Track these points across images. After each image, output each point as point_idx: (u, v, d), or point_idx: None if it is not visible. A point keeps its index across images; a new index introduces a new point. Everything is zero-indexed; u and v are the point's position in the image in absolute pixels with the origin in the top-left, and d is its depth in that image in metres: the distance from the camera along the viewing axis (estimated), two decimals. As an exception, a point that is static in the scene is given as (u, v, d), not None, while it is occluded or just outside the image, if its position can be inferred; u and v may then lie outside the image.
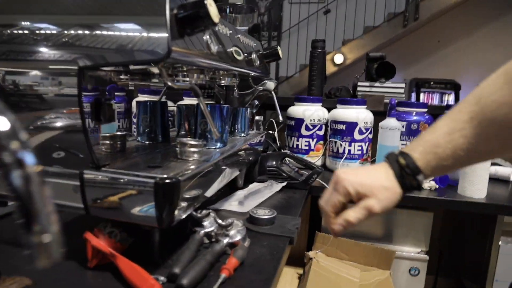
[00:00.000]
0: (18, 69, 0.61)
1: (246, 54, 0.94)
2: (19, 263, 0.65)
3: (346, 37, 5.13)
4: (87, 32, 0.56)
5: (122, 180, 0.59)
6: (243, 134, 1.15)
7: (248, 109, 1.18)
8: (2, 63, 0.60)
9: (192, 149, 0.75)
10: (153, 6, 0.54)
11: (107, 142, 0.78)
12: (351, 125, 1.41)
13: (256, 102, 1.46)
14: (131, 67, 0.65)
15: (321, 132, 1.52)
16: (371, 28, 4.77)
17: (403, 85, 1.70)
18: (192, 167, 0.69)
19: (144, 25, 0.55)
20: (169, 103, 1.15)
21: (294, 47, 5.55)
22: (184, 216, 0.65)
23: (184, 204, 0.64)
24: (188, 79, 0.72)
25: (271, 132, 1.70)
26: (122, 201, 0.60)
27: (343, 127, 1.42)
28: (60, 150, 0.62)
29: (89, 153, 0.61)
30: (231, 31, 0.84)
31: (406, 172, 0.54)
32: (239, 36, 0.91)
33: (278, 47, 1.14)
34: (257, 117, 1.53)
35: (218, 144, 0.91)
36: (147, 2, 0.55)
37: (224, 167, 0.87)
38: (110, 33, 0.55)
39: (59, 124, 0.61)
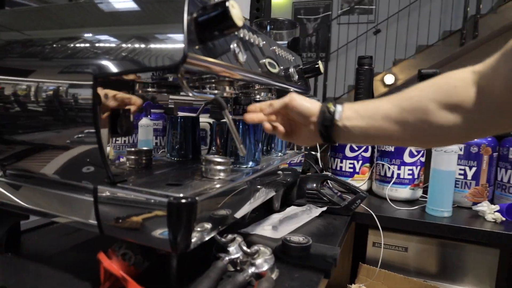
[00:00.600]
0: (32, 79, 0.59)
1: (282, 67, 0.88)
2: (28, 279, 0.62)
3: (397, 57, 4.95)
4: (101, 40, 0.53)
5: (135, 198, 0.54)
6: (280, 154, 1.08)
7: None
8: (14, 74, 0.59)
9: (218, 167, 0.69)
10: (171, 10, 0.50)
11: (132, 157, 0.75)
12: (400, 148, 1.28)
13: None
14: (152, 77, 0.61)
15: (367, 154, 1.41)
16: (424, 47, 4.56)
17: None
18: (215, 186, 0.63)
19: (161, 31, 0.50)
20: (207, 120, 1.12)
21: (343, 68, 5.44)
22: (204, 240, 0.59)
23: (203, 226, 0.57)
24: (215, 91, 0.67)
25: (313, 153, 1.61)
26: (134, 220, 0.55)
27: (392, 148, 1.30)
28: (77, 164, 0.59)
29: (104, 168, 0.57)
30: (264, 42, 0.78)
31: (328, 106, 0.63)
32: (274, 48, 0.85)
33: (319, 61, 1.07)
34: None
35: (250, 163, 0.84)
36: (165, 5, 0.51)
37: (255, 187, 0.80)
38: (126, 40, 0.51)
39: (75, 137, 0.58)
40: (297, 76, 1.00)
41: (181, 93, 0.80)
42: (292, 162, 1.14)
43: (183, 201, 0.51)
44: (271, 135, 1.07)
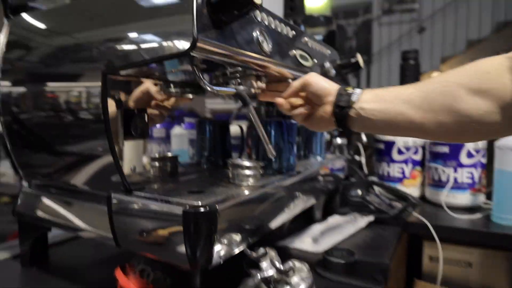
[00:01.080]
0: (39, 83, 0.55)
1: (316, 61, 0.79)
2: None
3: (445, 54, 4.65)
4: (106, 33, 0.48)
5: (148, 206, 0.48)
6: (318, 158, 0.99)
7: (325, 129, 1.02)
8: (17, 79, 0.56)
9: (247, 172, 0.62)
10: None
11: (156, 164, 0.69)
12: (457, 147, 1.14)
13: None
14: (167, 70, 0.55)
15: (418, 157, 1.27)
16: (475, 42, 4.24)
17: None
18: (242, 192, 0.55)
19: (170, 17, 0.44)
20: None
21: (386, 71, 5.22)
22: (232, 254, 0.52)
23: (229, 238, 0.50)
24: (240, 87, 0.60)
25: (357, 157, 1.50)
26: (149, 232, 0.48)
27: (446, 149, 1.16)
28: (93, 170, 0.54)
29: (118, 174, 0.51)
30: (294, 32, 0.70)
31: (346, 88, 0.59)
32: (307, 40, 0.77)
33: (358, 54, 0.97)
34: (339, 140, 1.35)
35: (284, 168, 0.76)
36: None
37: (290, 194, 0.71)
38: (132, 30, 0.46)
39: (88, 142, 0.53)
40: (334, 72, 0.91)
41: (216, 98, 0.74)
42: (333, 168, 1.05)
43: (201, 210, 0.44)
44: (308, 138, 0.98)
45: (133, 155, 0.61)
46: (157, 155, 0.69)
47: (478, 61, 0.50)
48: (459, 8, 4.79)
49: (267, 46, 0.57)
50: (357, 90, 0.58)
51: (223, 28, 0.46)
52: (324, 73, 0.87)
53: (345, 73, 1.01)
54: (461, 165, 1.14)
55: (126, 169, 0.54)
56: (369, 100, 0.56)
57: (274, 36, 0.61)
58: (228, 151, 0.86)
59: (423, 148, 1.28)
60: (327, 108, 0.59)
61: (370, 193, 1.05)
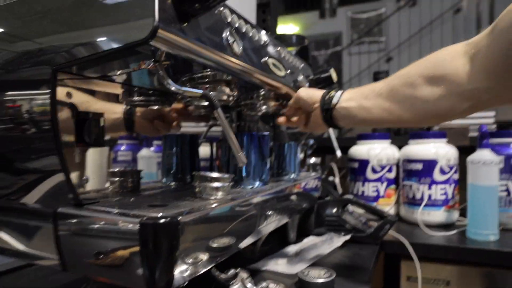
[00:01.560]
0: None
1: (289, 71, 0.77)
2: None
3: (411, 82, 4.84)
4: (57, 25, 0.43)
5: (103, 221, 0.42)
6: (292, 175, 0.95)
7: (298, 145, 0.99)
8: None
9: (215, 184, 0.56)
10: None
11: (115, 179, 0.63)
12: (430, 164, 1.14)
13: (312, 141, 1.27)
14: (128, 70, 0.50)
15: (392, 175, 1.26)
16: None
17: (493, 113, 1.40)
18: (209, 206, 0.50)
19: (128, 5, 0.40)
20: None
21: (356, 97, 5.35)
22: (196, 275, 0.46)
23: (193, 257, 0.44)
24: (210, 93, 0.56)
25: (331, 178, 1.47)
26: (103, 251, 0.42)
27: (420, 166, 1.15)
28: (38, 182, 0.48)
29: (67, 185, 0.45)
30: (267, 40, 0.68)
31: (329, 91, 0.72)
32: (279, 49, 0.75)
33: (332, 69, 0.96)
34: (313, 159, 1.33)
35: (256, 183, 0.72)
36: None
37: (262, 211, 0.66)
38: (86, 21, 0.41)
39: (34, 148, 0.47)
40: (307, 85, 0.89)
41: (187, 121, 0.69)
42: (307, 187, 1.01)
43: (161, 221, 0.39)
44: (281, 155, 0.94)
45: (89, 166, 0.55)
46: (116, 169, 0.63)
47: (438, 51, 0.56)
48: (423, 40, 5.05)
49: (237, 48, 0.53)
50: (338, 92, 0.69)
51: (189, 22, 0.42)
52: (297, 87, 0.84)
53: (319, 88, 1.00)
54: (434, 182, 1.13)
55: (78, 180, 0.48)
56: (348, 99, 0.67)
57: (245, 40, 0.58)
58: (197, 168, 0.81)
59: (397, 166, 1.27)
60: (317, 112, 0.72)
61: (345, 212, 1.02)
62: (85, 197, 0.51)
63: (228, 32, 0.52)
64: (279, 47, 0.75)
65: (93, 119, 0.47)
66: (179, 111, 0.82)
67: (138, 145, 1.06)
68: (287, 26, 5.72)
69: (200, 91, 0.48)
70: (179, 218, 0.40)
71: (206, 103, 0.57)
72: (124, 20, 0.38)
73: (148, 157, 1.08)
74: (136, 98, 0.62)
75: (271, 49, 0.71)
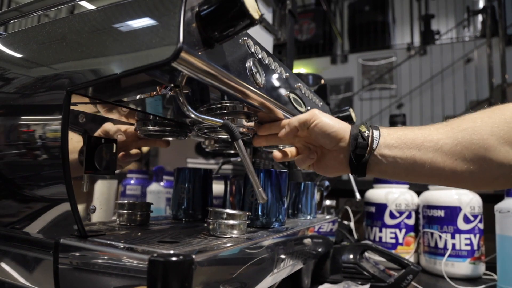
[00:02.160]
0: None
1: (309, 108, 0.75)
2: None
3: (424, 129, 4.81)
4: (74, 48, 0.42)
5: (108, 256, 0.38)
6: (308, 217, 0.90)
7: (316, 185, 0.94)
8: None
9: (230, 222, 0.52)
10: (166, 3, 0.39)
11: (123, 211, 0.59)
12: (453, 211, 1.08)
13: (327, 183, 1.22)
14: (146, 95, 0.48)
15: (411, 221, 1.20)
16: (451, 118, 4.43)
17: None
18: (225, 245, 0.46)
19: (151, 27, 0.39)
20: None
21: (367, 142, 5.31)
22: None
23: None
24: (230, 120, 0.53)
25: (346, 222, 1.41)
26: (105, 291, 0.38)
27: (441, 213, 1.09)
28: (42, 212, 0.44)
29: (72, 215, 0.41)
30: (288, 74, 0.66)
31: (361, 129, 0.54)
32: (300, 85, 0.73)
33: (350, 109, 0.93)
34: (328, 202, 1.27)
35: (273, 223, 0.67)
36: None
37: (279, 253, 0.61)
38: (105, 41, 0.40)
39: (40, 174, 0.44)
40: (326, 124, 0.87)
41: (198, 158, 0.67)
42: (321, 230, 0.95)
43: (173, 259, 0.35)
44: (296, 193, 0.90)
45: (96, 197, 0.51)
46: (125, 201, 0.60)
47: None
48: (435, 87, 5.08)
49: (260, 79, 0.51)
50: (375, 133, 0.52)
51: (213, 48, 0.40)
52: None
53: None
54: (459, 231, 1.06)
55: (84, 210, 0.45)
56: (391, 146, 0.51)
57: (267, 72, 0.56)
58: (209, 204, 0.77)
59: (416, 212, 1.21)
60: (340, 155, 0.54)
61: (363, 259, 0.95)
62: (91, 229, 0.47)
63: (251, 62, 0.50)
64: (300, 83, 0.74)
65: (105, 145, 0.44)
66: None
67: (147, 180, 1.03)
68: (299, 70, 5.83)
69: (220, 121, 0.45)
70: (193, 257, 0.36)
71: (223, 136, 0.54)
72: (147, 42, 0.37)
73: (157, 192, 1.05)
74: (151, 128, 0.59)
75: (291, 84, 0.69)
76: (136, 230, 0.53)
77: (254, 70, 0.50)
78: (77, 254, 0.39)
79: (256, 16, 0.38)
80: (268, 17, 1.33)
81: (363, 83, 5.95)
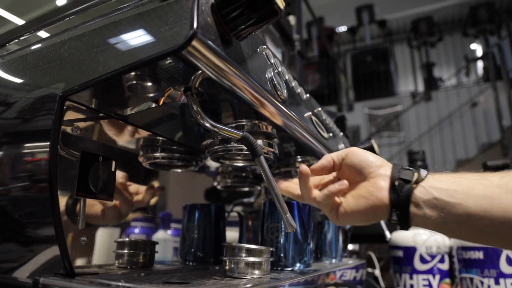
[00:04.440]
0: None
1: (331, 135, 0.68)
2: None
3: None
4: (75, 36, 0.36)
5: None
6: (333, 260, 0.80)
7: (340, 227, 0.85)
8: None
9: (251, 260, 0.43)
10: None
11: (123, 251, 0.50)
12: (494, 252, 0.96)
13: (348, 225, 1.12)
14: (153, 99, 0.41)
15: (445, 266, 1.07)
16: (464, 161, 4.33)
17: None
18: (246, 285, 0.37)
19: (161, 15, 0.33)
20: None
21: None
22: None
23: None
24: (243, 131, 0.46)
25: (370, 270, 1.28)
26: None
27: (480, 255, 0.97)
28: (21, 245, 0.36)
29: (59, 249, 0.33)
30: (308, 96, 0.60)
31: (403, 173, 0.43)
32: (320, 110, 0.67)
33: (372, 140, 0.87)
34: (351, 246, 1.16)
35: (297, 265, 0.57)
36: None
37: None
38: (108, 34, 0.34)
39: (23, 196, 0.36)
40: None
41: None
42: (344, 276, 0.85)
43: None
44: (320, 234, 0.80)
45: (97, 246, 0.43)
46: (125, 239, 0.51)
47: None
48: (444, 132, 5.04)
49: (281, 92, 0.45)
50: (423, 172, 0.43)
51: (231, 44, 0.35)
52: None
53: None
54: (502, 275, 0.94)
55: (73, 243, 0.36)
56: (450, 183, 0.41)
57: (287, 86, 0.50)
58: (222, 243, 0.68)
59: (450, 255, 1.09)
60: (379, 183, 0.43)
61: (399, 310, 0.83)
62: (82, 271, 0.38)
63: (272, 73, 0.44)
64: (320, 108, 0.67)
65: (102, 163, 0.37)
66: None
67: (153, 228, 0.94)
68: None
69: (239, 133, 0.38)
70: (209, 297, 0.27)
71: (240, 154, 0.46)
72: (155, 31, 0.31)
73: (164, 241, 0.95)
74: (157, 154, 0.52)
75: (312, 107, 0.63)
76: (137, 271, 0.44)
77: (276, 81, 0.44)
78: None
79: (280, 5, 0.33)
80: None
81: (371, 130, 5.94)
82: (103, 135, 0.41)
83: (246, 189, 0.83)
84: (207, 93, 0.38)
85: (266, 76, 0.43)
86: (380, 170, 0.45)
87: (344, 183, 0.46)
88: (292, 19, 1.59)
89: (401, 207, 0.42)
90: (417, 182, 0.42)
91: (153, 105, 0.38)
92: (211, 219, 0.66)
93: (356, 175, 0.46)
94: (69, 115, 0.35)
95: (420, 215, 0.41)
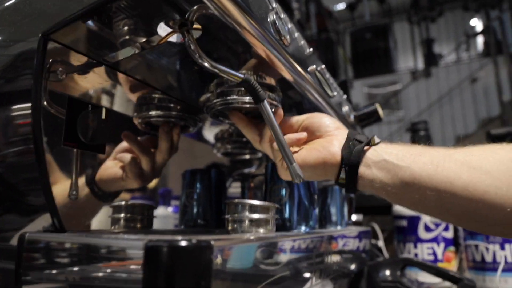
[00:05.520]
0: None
1: (335, 93, 0.64)
2: None
3: (436, 150, 4.69)
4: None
5: (90, 245, 0.27)
6: (339, 227, 0.78)
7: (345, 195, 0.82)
8: None
9: (255, 216, 0.41)
10: None
11: (119, 216, 0.48)
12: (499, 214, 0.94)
13: (353, 194, 1.10)
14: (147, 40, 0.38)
15: (449, 234, 1.06)
16: (463, 137, 4.32)
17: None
18: (247, 237, 0.34)
19: None
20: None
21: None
22: None
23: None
24: (245, 97, 0.43)
25: (373, 241, 1.26)
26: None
27: (486, 222, 0.96)
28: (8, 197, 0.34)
29: (46, 203, 0.30)
30: (311, 51, 0.57)
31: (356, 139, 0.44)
32: (324, 68, 0.63)
33: (377, 104, 0.83)
34: (355, 216, 1.14)
35: (302, 228, 0.55)
36: None
37: (310, 261, 0.49)
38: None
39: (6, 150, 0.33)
40: (352, 119, 0.77)
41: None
42: (347, 245, 0.83)
43: (183, 243, 0.23)
44: (324, 200, 0.78)
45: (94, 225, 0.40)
46: (121, 202, 0.48)
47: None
48: (444, 108, 5.01)
49: (285, 34, 0.41)
50: (376, 137, 0.44)
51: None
52: (343, 118, 0.72)
53: (363, 125, 0.87)
54: (508, 240, 0.92)
55: (62, 195, 0.34)
56: (400, 149, 0.42)
57: (289, 31, 0.47)
58: (223, 209, 0.65)
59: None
60: (333, 140, 0.44)
61: (404, 275, 0.81)
62: (75, 229, 0.36)
63: (275, 16, 0.41)
64: (323, 66, 0.64)
65: (92, 110, 0.34)
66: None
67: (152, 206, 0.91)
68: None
69: (240, 75, 0.35)
70: (212, 242, 0.24)
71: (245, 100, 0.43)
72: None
73: (164, 217, 0.93)
74: (153, 113, 0.49)
75: (316, 63, 0.59)
76: (135, 231, 0.41)
77: (278, 24, 0.41)
78: (44, 246, 0.28)
79: None
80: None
81: (369, 108, 5.88)
82: (92, 84, 0.38)
83: (247, 156, 0.80)
84: (203, 36, 0.34)
85: (268, 19, 0.40)
86: (336, 131, 0.46)
87: (304, 134, 0.46)
88: (291, -13, 1.53)
89: (351, 164, 0.42)
90: (370, 145, 0.43)
91: (145, 48, 0.34)
92: (211, 184, 0.64)
93: (312, 133, 0.46)
94: (53, 57, 0.31)
95: (368, 176, 0.42)
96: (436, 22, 5.71)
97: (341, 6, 6.09)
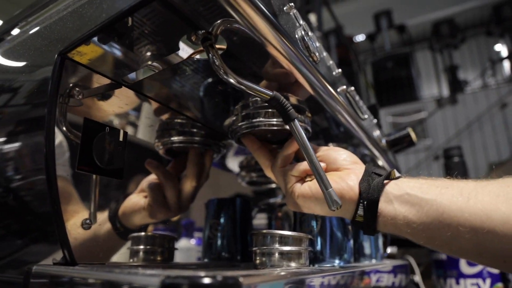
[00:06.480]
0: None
1: (366, 116, 0.61)
2: None
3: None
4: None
5: (97, 282, 0.23)
6: (373, 261, 0.71)
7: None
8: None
9: (286, 249, 0.37)
10: None
11: (139, 247, 0.44)
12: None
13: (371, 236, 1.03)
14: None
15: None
16: (497, 165, 4.13)
17: None
18: (277, 273, 0.30)
19: None
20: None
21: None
22: None
23: None
24: (272, 120, 0.40)
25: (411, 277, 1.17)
26: None
27: (537, 255, 0.87)
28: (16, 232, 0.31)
29: (58, 235, 0.28)
30: (340, 71, 0.54)
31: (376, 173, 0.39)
32: (353, 89, 0.60)
33: (409, 128, 0.79)
34: (389, 249, 1.07)
35: (336, 261, 0.50)
36: None
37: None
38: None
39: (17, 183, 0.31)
40: (383, 143, 0.72)
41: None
42: (380, 280, 0.76)
43: (206, 281, 0.20)
44: (358, 235, 0.72)
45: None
46: (141, 233, 0.45)
47: None
48: (474, 135, 4.84)
49: (316, 52, 0.39)
50: (396, 171, 0.40)
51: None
52: (375, 142, 0.67)
53: (395, 150, 0.82)
54: None
55: (75, 225, 0.31)
56: (424, 182, 0.38)
57: (318, 51, 0.44)
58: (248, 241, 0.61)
59: (501, 257, 0.98)
60: (351, 173, 0.40)
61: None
62: (87, 262, 0.33)
63: (303, 33, 0.38)
64: (353, 88, 0.61)
65: (110, 133, 0.31)
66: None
67: (174, 237, 0.88)
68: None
69: (269, 92, 0.32)
70: (240, 280, 0.21)
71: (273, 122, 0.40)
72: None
73: (187, 250, 0.89)
74: (175, 138, 0.47)
75: (345, 85, 0.56)
76: (155, 264, 0.38)
77: (307, 40, 0.38)
78: (56, 284, 0.24)
79: None
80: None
81: (395, 136, 5.76)
82: (112, 107, 0.36)
83: (273, 185, 0.77)
84: (226, 53, 0.32)
85: (297, 34, 0.37)
86: (353, 165, 0.42)
87: (322, 163, 0.40)
88: (312, 16, 1.54)
89: (370, 199, 0.37)
90: (390, 178, 0.38)
91: (165, 66, 0.32)
92: (236, 214, 0.60)
93: (328, 166, 0.41)
94: (70, 77, 0.30)
95: (390, 213, 0.36)
96: (459, 49, 5.63)
97: (360, 37, 6.11)
